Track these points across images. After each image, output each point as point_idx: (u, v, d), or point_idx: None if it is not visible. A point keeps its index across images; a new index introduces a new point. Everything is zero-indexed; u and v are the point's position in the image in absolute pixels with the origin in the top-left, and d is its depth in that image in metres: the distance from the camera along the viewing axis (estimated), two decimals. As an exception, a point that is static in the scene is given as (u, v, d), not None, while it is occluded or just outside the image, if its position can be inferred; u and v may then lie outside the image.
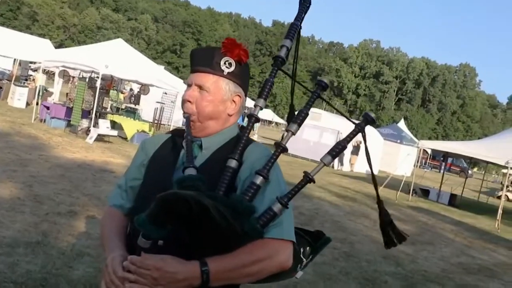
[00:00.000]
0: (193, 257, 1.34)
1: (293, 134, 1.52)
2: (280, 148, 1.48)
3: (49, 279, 3.92)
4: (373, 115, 1.51)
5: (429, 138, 68.36)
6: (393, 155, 23.74)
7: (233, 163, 1.46)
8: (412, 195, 16.02)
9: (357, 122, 1.54)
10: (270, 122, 67.08)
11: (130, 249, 1.50)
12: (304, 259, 1.60)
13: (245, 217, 1.34)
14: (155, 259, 1.31)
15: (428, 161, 41.62)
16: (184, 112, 1.57)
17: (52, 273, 4.05)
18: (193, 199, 1.22)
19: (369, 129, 25.71)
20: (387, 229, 1.59)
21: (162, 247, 1.34)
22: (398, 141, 26.50)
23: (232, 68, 1.56)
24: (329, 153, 1.48)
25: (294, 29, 1.61)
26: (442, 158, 37.94)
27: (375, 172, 17.43)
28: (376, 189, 1.57)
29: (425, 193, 17.93)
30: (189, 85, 1.58)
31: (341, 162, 22.30)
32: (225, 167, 1.46)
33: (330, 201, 11.33)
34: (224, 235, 1.30)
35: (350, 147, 22.19)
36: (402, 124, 32.60)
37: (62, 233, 5.12)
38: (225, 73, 1.55)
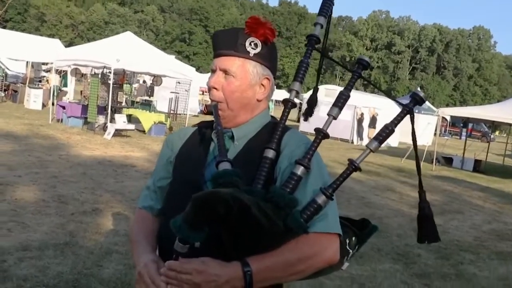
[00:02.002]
0: (233, 258, 1.24)
1: (334, 118, 1.40)
2: (321, 134, 1.36)
3: (80, 280, 3.90)
4: (422, 94, 1.37)
5: (447, 105, 67.31)
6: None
7: (270, 153, 1.35)
8: (435, 164, 15.79)
9: (404, 103, 1.41)
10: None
11: (162, 252, 1.41)
12: (351, 250, 1.48)
13: (288, 211, 1.23)
14: (196, 263, 1.21)
15: (447, 128, 41.02)
16: (212, 100, 1.45)
17: (83, 273, 4.03)
18: (233, 198, 1.12)
19: (385, 101, 25.39)
20: (424, 223, 1.46)
21: (199, 250, 1.23)
22: (416, 111, 26.05)
23: (259, 49, 1.43)
24: (375, 138, 1.36)
25: (327, 5, 1.48)
26: (462, 125, 37.32)
27: (395, 145, 17.30)
28: (420, 178, 1.45)
29: (448, 161, 17.67)
30: (213, 71, 1.46)
31: (360, 137, 22.08)
32: (262, 158, 1.34)
33: (353, 177, 11.07)
34: (266, 232, 1.20)
35: (367, 120, 21.94)
36: (418, 93, 32.04)
37: (89, 232, 5.10)
38: (251, 54, 1.42)
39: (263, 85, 1.47)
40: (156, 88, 18.42)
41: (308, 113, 1.49)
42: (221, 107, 1.43)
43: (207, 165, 1.43)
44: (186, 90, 16.61)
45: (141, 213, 1.58)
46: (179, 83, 17.01)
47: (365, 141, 22.10)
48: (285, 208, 1.22)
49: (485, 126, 38.62)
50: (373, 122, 21.75)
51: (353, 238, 1.49)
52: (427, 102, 31.32)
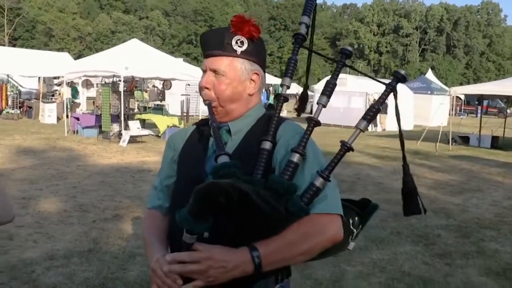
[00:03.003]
0: (241, 245, 1.30)
1: (324, 106, 1.46)
2: (313, 122, 1.42)
3: (106, 284, 4.01)
4: (403, 72, 1.43)
5: (460, 84, 66.50)
6: (425, 108, 23.21)
7: (267, 144, 1.41)
8: (452, 144, 15.65)
9: (387, 81, 1.47)
10: (296, 96, 63.50)
11: (173, 248, 1.47)
12: (355, 230, 1.53)
13: (288, 197, 1.29)
14: (203, 251, 1.27)
15: (462, 107, 40.63)
16: (204, 100, 1.52)
17: (108, 277, 4.14)
18: (231, 187, 1.18)
19: (397, 85, 25.15)
20: (408, 197, 1.53)
21: (208, 240, 1.29)
22: (429, 92, 25.87)
23: (245, 47, 1.48)
24: (363, 118, 1.42)
25: (310, 4, 1.55)
26: (477, 102, 36.91)
27: (410, 128, 17.26)
28: (403, 150, 1.51)
29: (465, 140, 17.49)
30: (204, 71, 1.52)
31: (374, 124, 21.95)
32: (259, 149, 1.41)
33: (369, 163, 11.19)
34: (270, 218, 1.26)
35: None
36: (430, 75, 31.79)
37: (111, 238, 5.22)
38: (238, 52, 1.48)
39: (252, 80, 1.52)
40: (167, 91, 18.55)
41: (301, 109, 1.54)
42: (214, 105, 1.49)
43: (208, 159, 1.49)
44: (196, 92, 16.70)
45: (151, 213, 1.64)
46: (189, 85, 17.10)
47: (379, 128, 22.03)
48: (285, 194, 1.28)
49: (501, 101, 38.15)
50: (384, 108, 21.67)
51: (356, 218, 1.54)
52: (439, 83, 31.02)
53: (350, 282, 4.28)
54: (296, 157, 1.35)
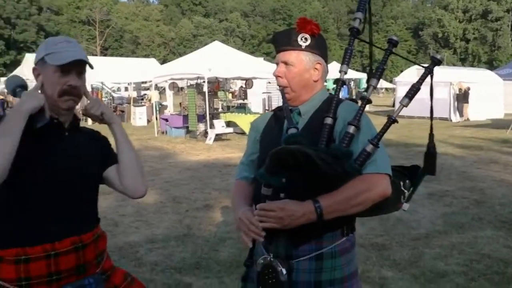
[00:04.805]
0: (307, 199, 1.64)
1: (374, 88, 1.78)
2: (365, 100, 1.75)
3: (201, 262, 4.49)
4: (439, 56, 1.71)
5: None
6: (518, 95, 22.05)
7: (329, 120, 1.74)
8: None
9: (504, 72, 1.74)
10: (382, 89, 55.80)
11: None
12: (406, 191, 1.83)
13: (345, 160, 1.61)
14: (278, 202, 1.64)
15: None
16: (279, 86, 1.88)
17: (202, 257, 4.62)
18: (297, 150, 1.52)
19: (485, 72, 24.17)
20: (429, 159, 1.82)
21: (282, 198, 1.66)
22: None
23: (308, 42, 1.82)
24: (406, 95, 1.72)
25: (364, 1, 1.85)
26: None
27: (501, 116, 16.50)
28: (431, 123, 1.86)
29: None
30: (277, 64, 1.88)
31: (460, 113, 21.24)
32: (323, 125, 1.74)
33: (453, 153, 11.01)
34: (330, 177, 1.59)
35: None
36: (523, 60, 30.02)
37: (203, 225, 5.73)
38: (303, 47, 1.82)
39: (316, 68, 1.85)
40: (248, 90, 19.15)
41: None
42: (286, 91, 1.85)
43: (283, 135, 1.83)
44: (277, 89, 17.06)
45: (239, 182, 2.03)
46: (269, 83, 17.52)
47: (464, 117, 21.27)
48: (343, 158, 1.61)
49: None
50: (465, 97, 20.88)
51: (407, 181, 1.83)
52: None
53: (427, 262, 4.44)
54: (351, 129, 1.68)
